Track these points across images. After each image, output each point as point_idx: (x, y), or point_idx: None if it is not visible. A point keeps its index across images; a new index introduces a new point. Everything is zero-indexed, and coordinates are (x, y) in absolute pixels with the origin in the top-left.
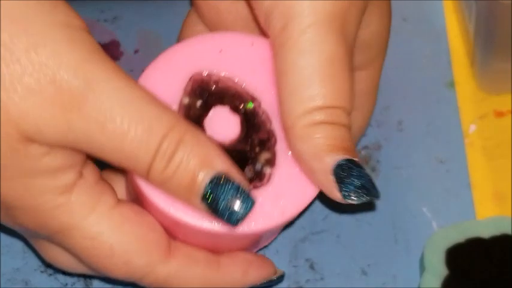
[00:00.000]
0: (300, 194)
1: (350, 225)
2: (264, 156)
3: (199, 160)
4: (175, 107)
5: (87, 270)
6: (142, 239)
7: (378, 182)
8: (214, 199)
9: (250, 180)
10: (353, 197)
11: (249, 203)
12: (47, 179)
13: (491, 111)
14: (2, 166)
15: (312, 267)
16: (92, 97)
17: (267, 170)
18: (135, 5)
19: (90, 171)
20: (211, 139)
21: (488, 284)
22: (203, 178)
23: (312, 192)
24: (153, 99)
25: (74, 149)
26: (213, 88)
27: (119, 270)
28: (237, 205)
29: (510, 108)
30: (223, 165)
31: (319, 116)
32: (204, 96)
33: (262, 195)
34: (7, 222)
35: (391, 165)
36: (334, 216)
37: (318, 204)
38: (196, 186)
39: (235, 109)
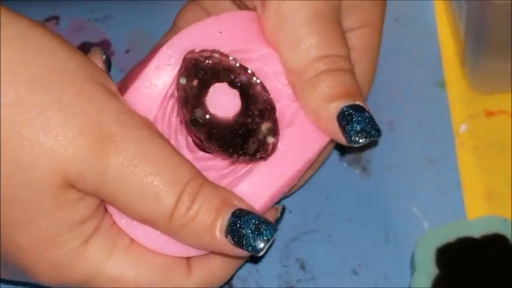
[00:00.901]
0: (301, 155)
1: (341, 225)
2: (266, 126)
3: (220, 200)
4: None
5: None
6: (163, 265)
7: (369, 182)
8: (238, 229)
9: (255, 152)
10: (355, 140)
11: (271, 229)
12: (73, 228)
13: (481, 111)
14: (40, 215)
15: (302, 267)
16: (128, 143)
17: (270, 140)
18: (126, 4)
19: (107, 215)
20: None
21: (479, 283)
22: (226, 213)
23: (314, 148)
24: (175, 149)
25: (98, 197)
26: (206, 65)
27: None
28: (260, 231)
29: (501, 108)
30: (242, 203)
31: (320, 66)
32: (199, 74)
33: (268, 165)
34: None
35: (382, 165)
36: (325, 216)
37: (310, 204)
38: (219, 221)
39: (231, 83)
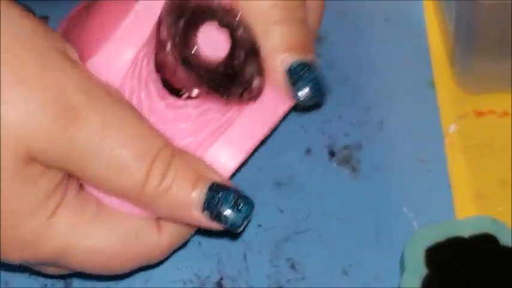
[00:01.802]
0: (269, 117)
1: (331, 225)
2: (251, 68)
3: (194, 173)
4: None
5: None
6: (134, 228)
7: (359, 182)
8: (216, 206)
9: (242, 92)
10: (302, 100)
11: (249, 205)
12: (38, 203)
13: (471, 111)
14: (2, 192)
15: (292, 266)
16: (92, 114)
17: (256, 81)
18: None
19: (71, 184)
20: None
21: (468, 283)
22: (202, 187)
23: (281, 109)
24: (142, 118)
25: (64, 170)
26: (191, 7)
27: (126, 267)
28: (239, 208)
29: (490, 108)
30: (216, 175)
31: (274, 14)
32: (185, 15)
33: (253, 107)
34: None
35: (372, 165)
36: (315, 216)
37: (300, 204)
38: (196, 195)
39: (220, 24)
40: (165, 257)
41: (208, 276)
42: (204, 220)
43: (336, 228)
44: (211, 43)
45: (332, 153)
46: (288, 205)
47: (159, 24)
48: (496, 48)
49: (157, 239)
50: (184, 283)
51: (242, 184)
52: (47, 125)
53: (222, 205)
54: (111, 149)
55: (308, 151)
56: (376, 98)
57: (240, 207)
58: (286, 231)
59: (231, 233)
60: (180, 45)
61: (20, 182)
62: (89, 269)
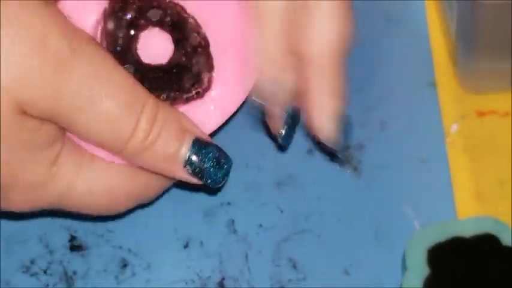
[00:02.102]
0: (237, 92)
1: (332, 225)
2: (200, 60)
3: (179, 126)
4: (98, 33)
5: None
6: (129, 171)
7: (360, 182)
8: (199, 162)
9: (190, 88)
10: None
11: (229, 161)
12: (41, 154)
13: (472, 111)
14: (4, 140)
15: (294, 267)
16: (80, 63)
17: (206, 75)
18: None
19: (67, 137)
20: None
21: (469, 283)
22: (186, 142)
23: (247, 88)
24: (123, 70)
25: (54, 122)
26: (134, 4)
27: (122, 207)
28: (220, 165)
29: (492, 108)
30: (199, 130)
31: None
32: (128, 15)
33: (204, 100)
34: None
35: (374, 165)
36: (316, 216)
37: (301, 204)
38: (180, 149)
39: (161, 23)
40: (160, 194)
41: (209, 277)
42: (186, 175)
43: (337, 228)
44: (153, 50)
45: (331, 158)
46: (289, 205)
47: (104, 18)
48: (498, 48)
49: (149, 175)
50: (186, 283)
51: (243, 184)
52: (35, 70)
53: (204, 161)
54: (100, 99)
55: (309, 151)
56: (377, 98)
57: (221, 164)
58: (287, 231)
59: (210, 188)
60: (122, 53)
61: (19, 134)
62: (87, 210)
